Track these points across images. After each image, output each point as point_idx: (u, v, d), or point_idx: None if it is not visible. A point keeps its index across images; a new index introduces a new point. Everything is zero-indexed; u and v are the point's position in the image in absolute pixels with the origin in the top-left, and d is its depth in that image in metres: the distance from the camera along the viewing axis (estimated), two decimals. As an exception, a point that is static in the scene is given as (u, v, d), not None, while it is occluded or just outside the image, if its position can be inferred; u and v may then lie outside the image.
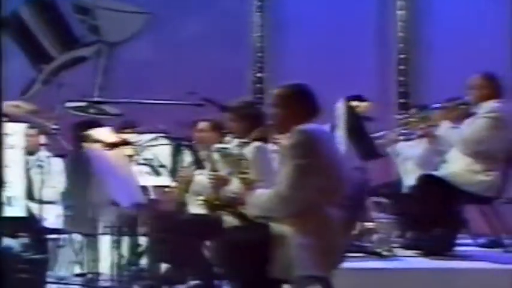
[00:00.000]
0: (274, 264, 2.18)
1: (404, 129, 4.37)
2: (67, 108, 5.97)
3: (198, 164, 3.20)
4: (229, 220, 2.96)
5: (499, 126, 3.45)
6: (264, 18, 6.89)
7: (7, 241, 3.45)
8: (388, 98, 6.59)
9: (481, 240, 4.03)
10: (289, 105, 2.42)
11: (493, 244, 3.87)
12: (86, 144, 2.89)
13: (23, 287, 3.24)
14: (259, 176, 2.69)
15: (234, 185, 2.86)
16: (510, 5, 6.53)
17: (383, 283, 3.03)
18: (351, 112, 3.43)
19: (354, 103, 3.64)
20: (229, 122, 3.39)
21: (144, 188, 3.30)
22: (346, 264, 2.56)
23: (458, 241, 3.72)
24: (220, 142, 3.94)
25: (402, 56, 6.57)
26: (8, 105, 5.74)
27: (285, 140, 2.41)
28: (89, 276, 3.82)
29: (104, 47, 7.40)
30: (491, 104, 3.52)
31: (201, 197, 3.30)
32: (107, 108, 6.52)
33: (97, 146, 2.82)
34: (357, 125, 3.42)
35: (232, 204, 2.62)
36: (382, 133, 4.32)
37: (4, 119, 5.45)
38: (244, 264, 2.22)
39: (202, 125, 4.21)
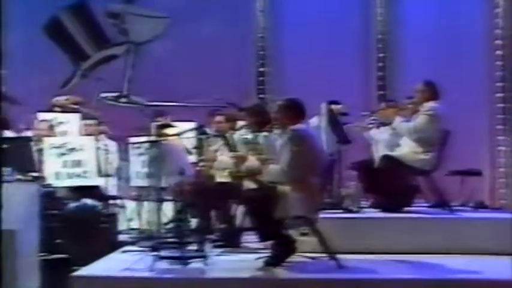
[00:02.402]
0: (279, 210, 3.69)
1: (375, 119, 5.83)
2: (102, 98, 7.29)
3: (229, 147, 4.54)
4: (247, 185, 4.45)
5: (435, 120, 4.95)
6: (265, 21, 8.22)
7: (90, 202, 4.93)
8: (369, 91, 7.93)
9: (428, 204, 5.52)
10: (288, 112, 3.91)
11: (436, 205, 5.36)
12: (161, 136, 4.33)
13: (105, 233, 4.73)
14: (270, 156, 4.19)
15: (251, 162, 4.35)
16: (479, 8, 7.78)
17: (353, 226, 4.49)
18: (330, 112, 4.92)
19: (333, 106, 5.11)
20: (246, 118, 4.86)
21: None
22: (331, 215, 4.02)
23: (412, 202, 5.22)
24: (233, 130, 5.40)
25: (381, 55, 7.89)
26: (59, 99, 7.11)
27: (284, 134, 3.90)
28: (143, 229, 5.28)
29: (132, 47, 8.55)
30: (430, 104, 5.01)
31: (227, 171, 4.79)
32: (135, 98, 7.90)
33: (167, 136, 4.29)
34: (334, 121, 4.91)
35: (251, 174, 4.11)
36: (356, 123, 5.77)
37: (57, 109, 6.81)
38: (261, 211, 3.73)
39: (218, 117, 5.65)
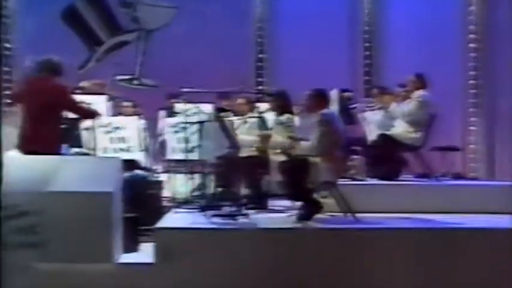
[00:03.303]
0: (311, 176, 4.80)
1: (369, 103, 7.00)
2: (117, 81, 8.19)
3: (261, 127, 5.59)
4: (273, 158, 5.52)
5: (424, 106, 6.13)
6: (263, 12, 9.26)
7: (141, 172, 5.93)
8: (357, 77, 9.07)
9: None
10: (316, 99, 5.01)
11: (422, 175, 6.57)
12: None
13: (152, 198, 5.74)
14: (295, 134, 5.29)
15: (280, 139, 5.44)
16: (456, 5, 8.92)
17: (359, 191, 5.58)
18: (341, 98, 6.05)
19: (343, 93, 6.24)
20: (270, 102, 5.93)
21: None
22: (342, 182, 5.16)
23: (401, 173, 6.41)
24: (252, 112, 6.45)
25: (367, 44, 9.02)
26: (84, 82, 7.97)
27: (313, 117, 5.00)
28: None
29: (143, 34, 9.36)
30: (420, 93, 6.19)
31: (255, 146, 5.86)
32: (146, 81, 8.82)
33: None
34: (344, 106, 6.04)
35: (284, 150, 5.21)
36: (355, 105, 6.93)
37: (81, 91, 7.69)
38: (296, 177, 4.83)
39: (240, 100, 6.70)
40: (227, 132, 5.24)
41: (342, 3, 9.24)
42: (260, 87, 9.29)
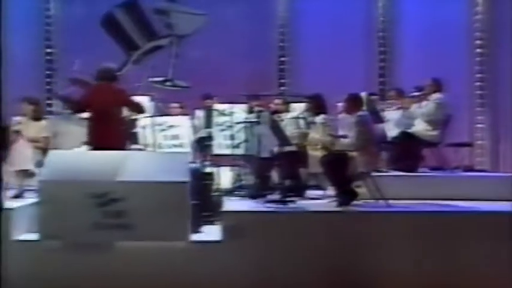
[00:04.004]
0: (349, 168, 5.73)
1: (388, 103, 7.94)
2: (152, 82, 9.04)
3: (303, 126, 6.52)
4: (311, 153, 6.42)
5: (441, 107, 7.07)
6: (284, 18, 10.16)
7: (194, 164, 6.82)
8: (372, 79, 9.99)
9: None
10: (354, 103, 5.93)
11: (437, 168, 7.50)
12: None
13: (207, 188, 6.63)
14: (330, 132, 6.23)
15: (318, 137, 6.36)
16: (463, 14, 9.86)
17: (385, 182, 6.47)
18: (369, 101, 6.97)
19: (370, 96, 7.16)
20: (308, 104, 6.83)
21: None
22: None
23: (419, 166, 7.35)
24: (287, 112, 7.36)
25: (382, 49, 9.96)
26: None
27: (351, 118, 5.92)
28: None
29: (175, 39, 10.22)
30: (437, 95, 7.13)
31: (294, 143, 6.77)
32: (178, 82, 9.70)
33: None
34: (373, 107, 6.96)
35: (324, 145, 6.13)
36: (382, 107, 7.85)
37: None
38: (337, 169, 5.75)
39: (277, 101, 7.61)
40: (280, 131, 6.15)
41: (359, 10, 10.20)
42: (283, 88, 10.26)
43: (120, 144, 6.06)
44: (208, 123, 8.10)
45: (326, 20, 10.04)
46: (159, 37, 9.90)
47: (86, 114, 6.48)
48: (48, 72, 10.35)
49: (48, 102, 10.03)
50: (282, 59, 10.32)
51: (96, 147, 6.02)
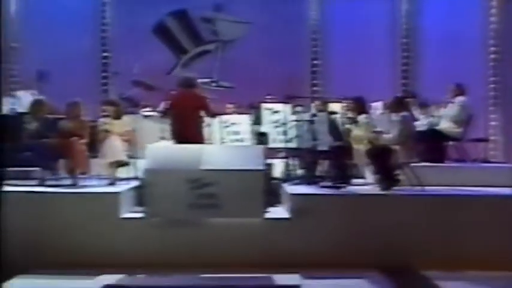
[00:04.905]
0: (392, 159, 7.06)
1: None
2: (201, 83, 10.25)
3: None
4: (356, 147, 7.73)
5: (464, 109, 8.41)
6: (316, 24, 11.46)
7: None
8: (395, 83, 11.29)
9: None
10: (398, 104, 7.27)
11: (460, 160, 8.84)
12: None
13: (267, 176, 7.91)
14: (374, 129, 7.56)
15: (361, 133, 7.68)
16: (482, 20, 11.15)
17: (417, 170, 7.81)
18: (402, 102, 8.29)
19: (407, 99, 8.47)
20: (350, 105, 8.14)
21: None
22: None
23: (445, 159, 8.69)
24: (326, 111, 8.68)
25: (405, 54, 11.29)
26: None
27: (395, 116, 7.24)
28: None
29: (221, 44, 11.46)
30: (460, 98, 8.46)
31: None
32: (223, 83, 11.02)
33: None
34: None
35: (369, 140, 7.45)
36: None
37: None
38: (382, 159, 7.08)
39: (317, 102, 8.92)
40: (337, 128, 7.48)
41: (383, 19, 11.51)
42: (315, 88, 11.57)
43: (200, 139, 7.43)
44: (259, 121, 9.34)
45: (354, 27, 11.36)
46: (206, 42, 11.46)
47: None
48: (103, 74, 11.62)
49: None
50: (315, 62, 11.62)
51: (180, 141, 7.36)
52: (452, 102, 8.52)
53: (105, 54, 11.62)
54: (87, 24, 11.51)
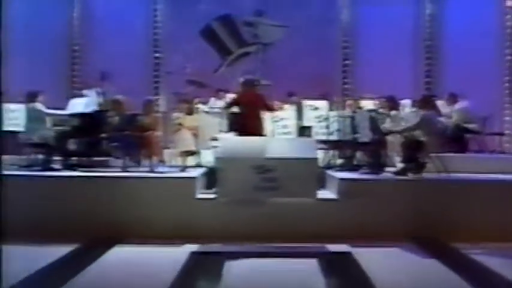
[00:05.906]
0: (421, 149, 8.45)
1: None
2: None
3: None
4: (389, 140, 9.12)
5: (463, 113, 9.82)
6: (345, 27, 12.83)
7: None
8: (418, 82, 12.66)
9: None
10: (426, 102, 8.65)
11: (480, 151, 10.22)
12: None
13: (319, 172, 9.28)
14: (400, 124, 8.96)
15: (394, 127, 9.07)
16: (497, 28, 12.50)
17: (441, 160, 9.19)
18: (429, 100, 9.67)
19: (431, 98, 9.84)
20: (384, 103, 9.52)
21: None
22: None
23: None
24: (359, 109, 10.06)
25: (428, 55, 12.67)
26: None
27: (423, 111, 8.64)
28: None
29: (261, 46, 12.73)
30: (457, 106, 9.88)
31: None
32: (263, 81, 12.35)
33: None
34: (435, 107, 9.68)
35: (401, 134, 8.84)
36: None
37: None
38: (412, 150, 8.47)
39: (349, 101, 10.32)
40: (376, 123, 8.88)
41: (409, 20, 12.87)
42: (346, 86, 12.94)
43: (262, 132, 8.87)
44: (300, 116, 10.73)
45: (381, 29, 12.72)
46: (248, 44, 12.71)
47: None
48: (155, 73, 13.02)
49: (156, 98, 12.77)
50: (346, 62, 12.99)
51: (244, 134, 8.79)
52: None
53: (156, 55, 12.99)
54: (141, 29, 12.85)
